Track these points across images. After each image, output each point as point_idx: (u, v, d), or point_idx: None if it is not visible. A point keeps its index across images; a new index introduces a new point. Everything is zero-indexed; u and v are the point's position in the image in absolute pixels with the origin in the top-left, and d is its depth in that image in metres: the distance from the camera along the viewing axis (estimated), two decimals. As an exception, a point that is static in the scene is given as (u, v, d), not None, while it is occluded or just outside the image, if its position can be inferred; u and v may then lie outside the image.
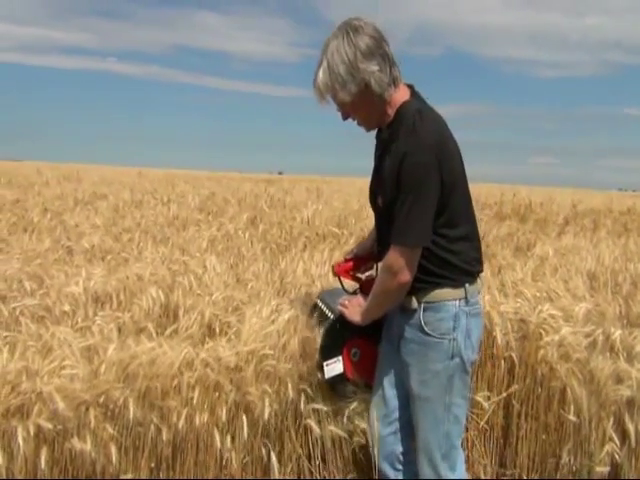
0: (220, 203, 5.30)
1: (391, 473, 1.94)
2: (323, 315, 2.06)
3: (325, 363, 1.96)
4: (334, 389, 2.05)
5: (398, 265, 1.66)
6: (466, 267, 1.76)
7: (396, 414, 1.93)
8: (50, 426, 1.71)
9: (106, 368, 1.90)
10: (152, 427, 1.87)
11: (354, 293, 2.03)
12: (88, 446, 1.73)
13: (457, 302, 1.73)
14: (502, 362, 2.45)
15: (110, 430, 1.78)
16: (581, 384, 2.23)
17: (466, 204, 1.79)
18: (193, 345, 2.09)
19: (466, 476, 1.95)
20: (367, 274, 2.07)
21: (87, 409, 1.78)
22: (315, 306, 2.15)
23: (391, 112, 1.73)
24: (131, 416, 1.80)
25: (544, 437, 2.40)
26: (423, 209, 1.63)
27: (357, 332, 1.95)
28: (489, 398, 2.39)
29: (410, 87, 1.77)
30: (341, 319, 1.93)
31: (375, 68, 1.65)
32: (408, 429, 1.90)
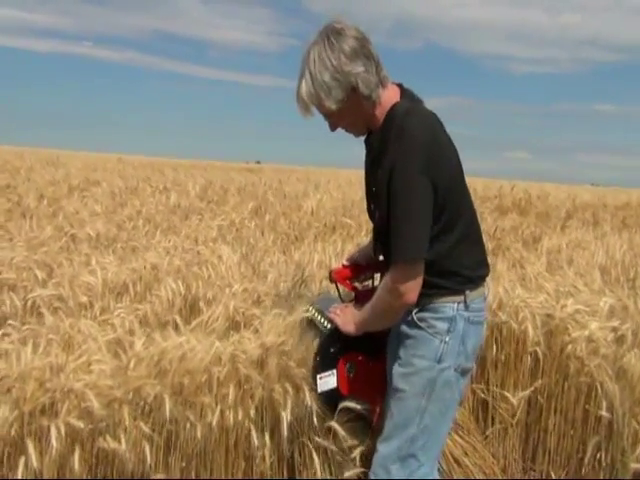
0: (219, 192, 5.17)
1: None
2: (318, 324, 1.92)
3: (319, 376, 1.83)
4: (327, 403, 1.91)
5: (403, 286, 1.55)
6: (466, 273, 1.66)
7: None
8: (82, 425, 1.61)
9: (135, 363, 1.81)
10: (188, 424, 1.77)
11: (350, 302, 1.90)
12: (123, 445, 1.63)
13: (455, 305, 1.64)
14: (528, 357, 2.42)
15: (144, 428, 1.69)
16: (612, 379, 2.21)
17: (464, 204, 1.69)
18: (219, 338, 2.01)
19: None
20: (365, 284, 1.96)
21: (120, 406, 1.68)
22: (309, 313, 1.98)
23: (380, 115, 1.64)
24: (167, 414, 1.70)
25: (572, 432, 2.38)
26: (418, 222, 1.54)
27: (355, 346, 1.83)
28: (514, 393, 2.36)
29: (399, 86, 1.69)
30: (337, 330, 1.80)
31: (361, 69, 1.57)
32: None
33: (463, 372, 1.70)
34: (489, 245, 3.29)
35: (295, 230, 3.46)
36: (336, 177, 11.93)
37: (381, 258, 1.80)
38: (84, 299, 2.16)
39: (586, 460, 2.32)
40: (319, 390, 1.84)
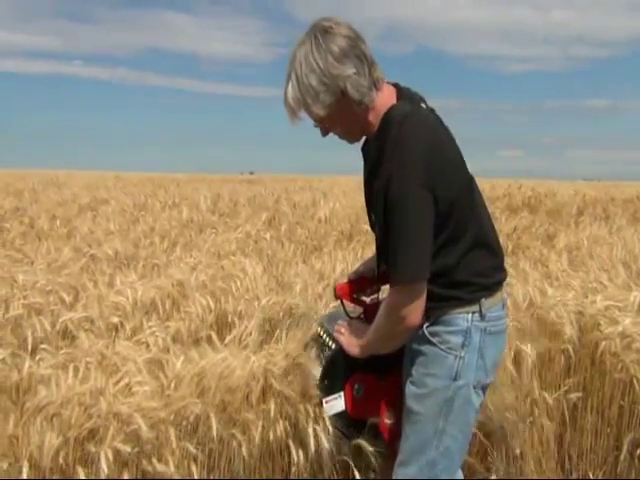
0: (229, 204, 5.15)
1: None
2: (324, 344, 1.79)
3: (325, 400, 1.71)
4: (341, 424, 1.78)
5: (403, 308, 1.44)
6: (480, 281, 1.54)
7: None
8: (129, 449, 1.58)
9: (176, 383, 1.78)
10: (234, 442, 1.74)
11: (358, 318, 1.80)
12: (171, 467, 1.60)
13: (469, 315, 1.51)
14: (561, 356, 2.40)
15: (191, 448, 1.66)
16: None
17: (473, 209, 1.55)
18: (252, 352, 1.99)
19: None
20: (372, 297, 1.86)
21: (165, 428, 1.65)
22: (315, 333, 1.87)
23: (375, 120, 1.50)
24: (214, 433, 1.67)
25: (608, 430, 2.36)
26: (416, 240, 1.42)
27: (363, 365, 1.70)
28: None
29: (395, 86, 1.55)
30: (344, 350, 1.68)
31: (351, 71, 1.43)
32: None
33: (483, 388, 1.59)
34: (508, 245, 3.28)
35: (313, 239, 3.44)
36: (337, 184, 11.94)
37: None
38: (115, 320, 2.13)
39: (622, 457, 2.30)
40: (327, 414, 1.75)
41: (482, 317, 1.52)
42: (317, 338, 1.84)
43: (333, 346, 1.72)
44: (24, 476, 1.41)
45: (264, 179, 19.29)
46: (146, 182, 11.55)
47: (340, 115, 1.49)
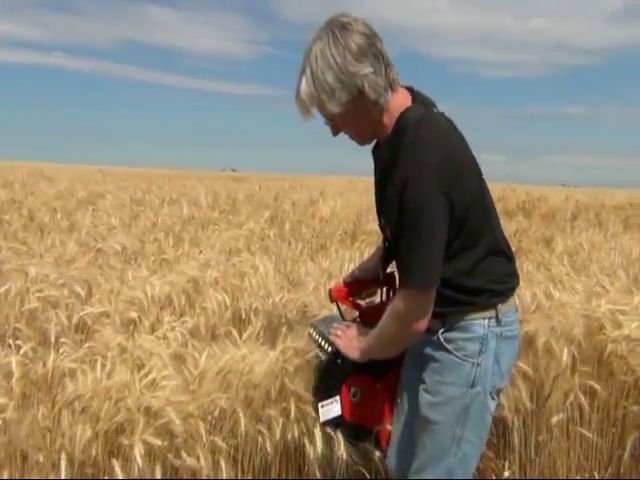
0: (228, 201, 5.14)
1: None
2: (320, 348, 1.77)
3: (320, 404, 1.68)
4: (336, 430, 1.75)
5: (410, 313, 1.44)
6: (496, 287, 1.52)
7: (412, 439, 1.65)
8: (159, 442, 1.58)
9: (201, 378, 1.79)
10: (260, 438, 1.75)
11: (353, 322, 1.79)
12: (202, 461, 1.61)
13: (486, 321, 1.50)
14: (570, 358, 2.43)
15: (220, 443, 1.67)
16: (657, 377, 2.25)
17: (486, 216, 1.53)
18: (270, 349, 1.99)
19: None
20: (368, 300, 1.85)
21: (195, 422, 1.66)
22: (309, 337, 1.85)
23: (389, 122, 1.47)
24: (242, 428, 1.68)
25: (613, 430, 2.42)
26: (430, 246, 1.39)
27: (358, 368, 1.68)
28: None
29: (410, 90, 1.52)
30: (340, 353, 1.67)
31: (369, 70, 1.39)
32: None
33: (498, 392, 1.59)
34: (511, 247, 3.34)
35: (319, 238, 3.46)
36: (327, 184, 11.96)
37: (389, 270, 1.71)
38: (133, 314, 2.12)
39: (625, 456, 2.36)
40: (322, 419, 1.70)
41: (498, 322, 1.51)
42: (312, 342, 1.81)
43: (329, 349, 1.70)
44: (62, 469, 1.41)
45: (249, 177, 19.22)
46: (134, 177, 11.45)
47: (354, 114, 1.45)
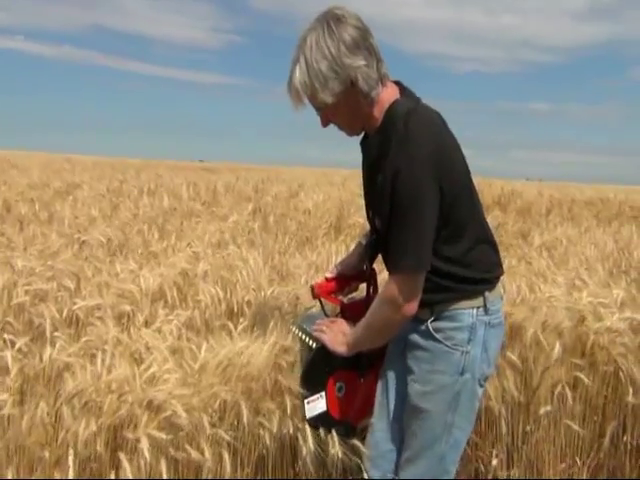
0: (208, 193, 5.09)
1: None
2: (304, 344, 1.76)
3: (306, 401, 1.67)
4: (320, 427, 1.73)
5: (402, 296, 1.45)
6: (484, 276, 1.57)
7: (400, 428, 1.68)
8: (163, 436, 1.58)
9: (202, 371, 1.78)
10: (261, 430, 1.76)
11: (336, 317, 1.78)
12: (206, 454, 1.61)
13: (474, 311, 1.53)
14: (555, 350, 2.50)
15: (225, 436, 1.67)
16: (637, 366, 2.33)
17: (473, 207, 1.58)
18: (264, 342, 2.00)
19: None
20: (350, 296, 1.86)
21: (199, 414, 1.66)
22: (293, 336, 1.86)
23: (379, 114, 1.50)
24: (245, 420, 1.68)
25: (595, 418, 2.51)
26: (422, 231, 1.43)
27: (343, 363, 1.69)
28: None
29: (398, 84, 1.56)
30: (325, 349, 1.66)
31: (362, 63, 1.42)
32: None
33: (485, 378, 1.63)
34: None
35: (305, 231, 3.46)
36: (297, 176, 11.97)
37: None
38: (127, 308, 2.09)
39: (605, 443, 2.45)
40: (308, 416, 1.69)
41: (486, 311, 1.55)
42: (296, 339, 1.82)
43: (314, 345, 1.69)
44: (70, 464, 1.39)
45: (220, 168, 19.04)
46: (103, 166, 11.20)
47: (345, 105, 1.48)
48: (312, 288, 1.80)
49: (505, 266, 3.04)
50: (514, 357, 2.16)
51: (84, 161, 16.01)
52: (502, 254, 3.08)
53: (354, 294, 1.87)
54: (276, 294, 2.40)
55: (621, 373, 2.37)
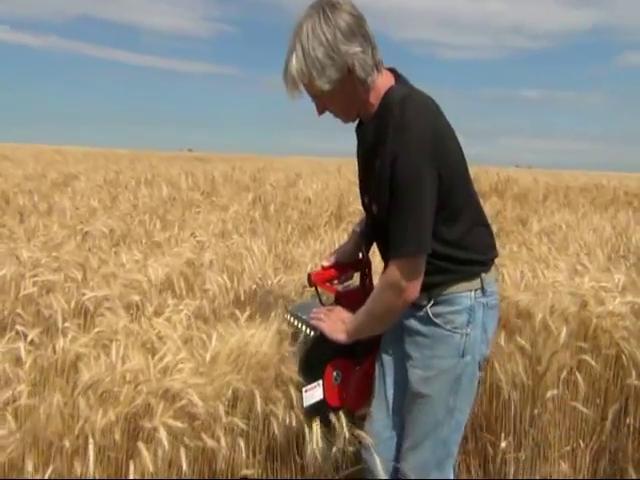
0: (206, 183, 5.08)
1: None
2: (301, 333, 1.76)
3: (304, 389, 1.69)
4: (317, 416, 1.74)
5: (405, 281, 1.46)
6: (479, 258, 1.60)
7: (399, 414, 1.71)
8: (179, 424, 1.59)
9: (214, 360, 1.79)
10: (272, 419, 1.76)
11: (331, 305, 1.79)
12: (222, 442, 1.62)
13: (473, 293, 1.56)
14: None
15: (240, 424, 1.68)
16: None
17: (468, 192, 1.61)
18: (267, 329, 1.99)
19: None
20: (345, 285, 1.87)
21: (215, 403, 1.67)
22: (288, 325, 1.85)
23: (375, 101, 1.52)
24: (259, 409, 1.69)
25: (598, 401, 2.55)
26: (422, 214, 1.44)
27: (340, 351, 1.70)
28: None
29: (392, 71, 1.57)
30: (322, 337, 1.67)
31: (358, 49, 1.43)
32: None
33: (484, 359, 1.66)
34: (494, 228, 3.43)
35: (308, 220, 3.47)
36: (291, 165, 11.96)
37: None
38: (136, 298, 2.09)
39: (607, 425, 2.50)
40: (305, 405, 1.70)
41: (484, 293, 1.57)
42: (291, 328, 1.82)
43: (311, 333, 1.70)
44: (91, 454, 1.40)
45: (212, 157, 18.95)
46: (94, 157, 11.12)
47: (342, 92, 1.48)
48: (309, 276, 1.80)
49: (506, 252, 3.09)
50: (523, 342, 2.20)
51: (74, 152, 15.88)
52: (503, 240, 3.12)
53: (349, 282, 1.88)
54: (283, 282, 2.40)
55: (623, 356, 2.42)
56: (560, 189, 6.21)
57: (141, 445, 1.48)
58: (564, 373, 2.29)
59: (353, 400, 1.77)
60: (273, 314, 2.16)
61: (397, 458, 1.70)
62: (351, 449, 1.77)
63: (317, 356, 1.70)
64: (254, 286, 2.37)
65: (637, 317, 2.51)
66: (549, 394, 2.24)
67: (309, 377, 1.70)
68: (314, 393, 1.70)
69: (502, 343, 2.20)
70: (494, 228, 3.66)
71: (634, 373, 2.37)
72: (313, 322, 1.69)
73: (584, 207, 4.85)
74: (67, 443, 1.43)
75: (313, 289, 1.82)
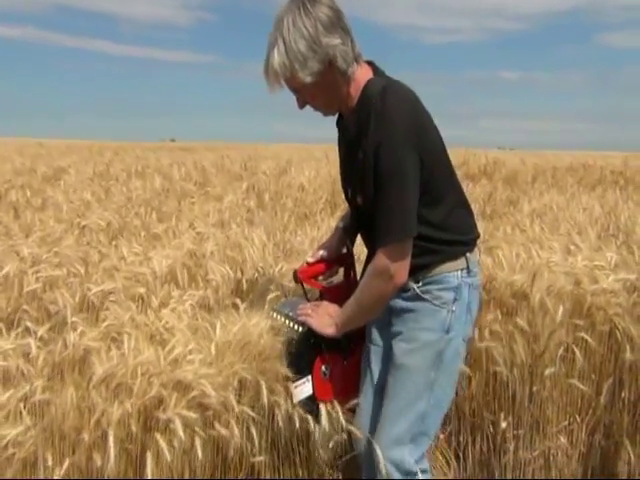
0: (198, 173, 5.06)
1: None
2: (288, 329, 1.79)
3: (293, 385, 1.71)
4: (308, 411, 1.77)
5: (393, 266, 1.50)
6: (463, 238, 1.65)
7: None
8: (193, 415, 1.61)
9: (221, 350, 1.81)
10: (277, 412, 1.77)
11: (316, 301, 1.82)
12: (235, 431, 1.65)
13: (459, 273, 1.61)
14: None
15: (250, 413, 1.71)
16: (636, 323, 2.43)
17: (449, 175, 1.66)
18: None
19: (429, 474, 1.73)
20: (329, 281, 1.90)
21: (226, 393, 1.69)
22: (275, 320, 1.85)
23: (355, 93, 1.55)
24: (265, 400, 1.71)
25: (593, 377, 2.62)
26: (406, 199, 1.48)
27: (327, 346, 1.73)
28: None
29: (370, 64, 1.61)
30: (311, 332, 1.69)
31: (338, 41, 1.46)
32: None
33: (467, 340, 1.70)
34: (486, 210, 3.50)
35: (303, 208, 3.48)
36: (278, 152, 11.91)
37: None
38: (141, 290, 2.11)
39: (602, 400, 2.57)
40: (295, 400, 1.72)
41: (469, 273, 1.63)
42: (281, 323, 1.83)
43: (300, 329, 1.73)
44: (111, 445, 1.42)
45: (196, 147, 18.81)
46: (76, 149, 10.99)
47: (323, 85, 1.51)
48: (294, 273, 1.82)
49: (500, 234, 3.14)
50: (522, 322, 2.25)
51: (57, 145, 15.68)
52: (496, 222, 3.16)
53: (333, 278, 1.92)
54: (284, 271, 2.43)
55: (617, 332, 2.49)
56: (548, 170, 6.29)
57: (158, 436, 1.50)
58: (561, 350, 2.36)
59: (341, 394, 1.79)
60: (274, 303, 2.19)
61: (373, 432, 1.70)
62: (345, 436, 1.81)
63: (306, 351, 1.73)
64: (256, 275, 2.39)
65: (630, 294, 2.58)
66: (547, 372, 2.30)
67: (298, 373, 1.72)
68: (303, 388, 1.73)
69: (500, 324, 2.26)
70: (487, 210, 3.72)
71: (628, 348, 2.44)
72: (301, 318, 1.71)
73: (572, 187, 4.94)
74: (86, 436, 1.45)
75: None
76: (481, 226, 3.15)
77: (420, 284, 1.60)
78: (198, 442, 1.58)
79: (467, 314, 1.65)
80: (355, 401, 1.80)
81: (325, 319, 1.67)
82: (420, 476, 1.65)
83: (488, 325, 2.25)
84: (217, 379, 1.69)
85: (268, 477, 1.93)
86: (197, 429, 1.60)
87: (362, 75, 1.55)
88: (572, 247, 3.00)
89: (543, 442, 2.43)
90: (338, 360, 1.78)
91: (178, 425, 1.52)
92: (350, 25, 1.51)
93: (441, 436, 2.44)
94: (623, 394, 2.53)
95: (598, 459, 2.55)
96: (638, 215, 3.79)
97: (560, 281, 2.47)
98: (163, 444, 1.49)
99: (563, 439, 2.45)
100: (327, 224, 3.11)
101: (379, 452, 1.61)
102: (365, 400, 1.78)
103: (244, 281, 2.34)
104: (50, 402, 1.54)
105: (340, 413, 1.75)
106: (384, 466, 1.61)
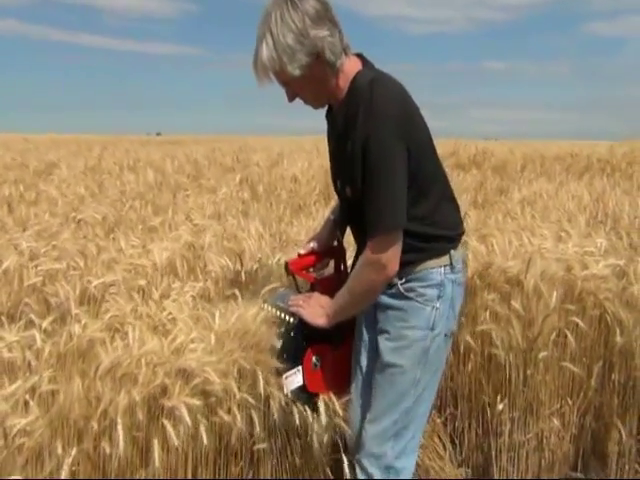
0: (191, 166, 5.06)
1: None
2: (280, 320, 1.80)
3: (284, 376, 1.72)
4: (300, 402, 1.80)
5: (385, 256, 1.51)
6: (448, 234, 1.66)
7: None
8: (197, 402, 1.65)
9: (221, 339, 1.84)
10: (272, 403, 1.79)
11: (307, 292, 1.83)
12: (237, 417, 1.69)
13: (442, 269, 1.62)
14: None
15: (251, 400, 1.74)
16: (625, 308, 2.50)
17: (436, 168, 1.66)
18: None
19: (413, 474, 1.75)
20: (320, 272, 1.91)
21: (228, 381, 1.73)
22: (266, 312, 1.86)
23: (344, 85, 1.56)
24: (261, 390, 1.73)
25: (584, 360, 2.69)
26: (395, 190, 1.49)
27: (318, 337, 1.74)
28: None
29: (359, 56, 1.62)
30: (302, 323, 1.71)
31: (326, 33, 1.47)
32: None
33: (451, 336, 1.72)
34: (478, 199, 3.54)
35: (298, 199, 3.51)
36: (265, 144, 11.90)
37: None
38: (142, 282, 2.13)
39: (592, 383, 2.63)
40: (286, 391, 1.73)
41: (452, 269, 1.64)
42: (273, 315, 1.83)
43: (291, 320, 1.74)
44: (120, 433, 1.45)
45: (184, 140, 18.72)
46: (63, 144, 10.91)
47: (312, 77, 1.52)
48: (286, 264, 1.84)
49: (493, 222, 3.19)
50: (517, 305, 2.31)
51: (43, 140, 15.54)
52: (488, 211, 3.21)
53: (324, 270, 1.93)
54: (282, 262, 2.46)
55: (607, 316, 2.55)
56: (536, 159, 6.35)
57: (165, 422, 1.53)
58: (554, 335, 2.42)
59: (332, 385, 1.80)
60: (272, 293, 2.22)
61: (359, 430, 1.74)
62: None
63: (297, 342, 1.74)
64: (255, 266, 2.42)
65: (619, 279, 2.65)
66: (541, 355, 2.35)
67: (289, 363, 1.73)
68: (294, 379, 1.74)
69: (497, 309, 2.32)
70: (479, 199, 3.77)
71: (618, 332, 2.51)
72: (292, 309, 1.73)
73: (560, 175, 5.01)
74: (94, 424, 1.48)
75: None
76: (473, 215, 3.21)
77: (403, 280, 1.62)
78: (203, 428, 1.61)
79: (450, 310, 1.66)
80: (349, 397, 1.82)
81: (317, 310, 1.69)
82: (402, 474, 1.69)
83: (487, 307, 2.31)
84: (219, 366, 1.72)
85: (268, 466, 1.95)
86: (199, 416, 1.63)
87: (351, 67, 1.56)
88: (562, 234, 3.06)
89: (537, 424, 2.49)
90: (328, 351, 1.80)
91: (184, 412, 1.55)
92: (338, 17, 1.52)
93: (438, 420, 2.49)
94: (613, 376, 2.59)
95: (589, 440, 2.61)
96: (625, 202, 3.87)
97: (552, 267, 2.52)
98: (171, 429, 1.52)
99: (556, 421, 2.51)
100: (322, 214, 3.14)
101: (362, 448, 1.66)
102: (356, 395, 1.81)
103: (243, 272, 2.36)
104: (57, 392, 1.56)
105: (337, 404, 1.78)
106: (366, 461, 1.66)
